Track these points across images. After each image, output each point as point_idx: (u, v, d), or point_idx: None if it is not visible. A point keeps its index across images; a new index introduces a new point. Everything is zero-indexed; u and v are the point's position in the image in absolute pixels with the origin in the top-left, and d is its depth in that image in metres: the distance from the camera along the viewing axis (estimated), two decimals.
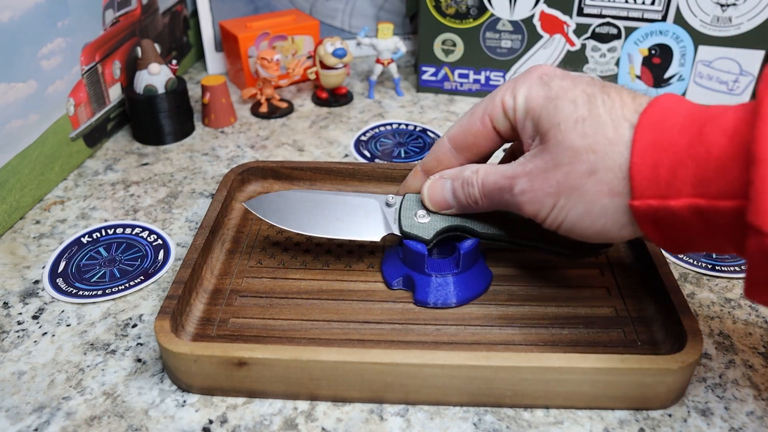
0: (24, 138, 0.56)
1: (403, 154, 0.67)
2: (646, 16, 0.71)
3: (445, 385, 0.38)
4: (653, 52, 0.73)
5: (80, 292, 0.48)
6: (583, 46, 0.74)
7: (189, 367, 0.38)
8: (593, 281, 0.47)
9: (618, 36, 0.73)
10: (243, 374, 0.38)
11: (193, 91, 0.80)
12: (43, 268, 0.50)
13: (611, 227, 0.35)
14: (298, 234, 0.49)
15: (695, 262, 0.51)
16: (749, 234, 0.28)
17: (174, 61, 0.70)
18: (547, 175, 0.36)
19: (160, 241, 0.53)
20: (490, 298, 0.45)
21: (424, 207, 0.45)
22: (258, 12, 0.85)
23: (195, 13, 0.86)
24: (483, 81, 0.78)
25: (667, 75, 0.74)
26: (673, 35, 0.72)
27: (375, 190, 0.57)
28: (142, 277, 0.49)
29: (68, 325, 0.45)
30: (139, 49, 0.67)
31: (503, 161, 0.46)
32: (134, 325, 0.45)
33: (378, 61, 0.78)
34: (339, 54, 0.73)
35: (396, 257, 0.47)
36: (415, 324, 0.43)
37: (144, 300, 0.47)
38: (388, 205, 0.46)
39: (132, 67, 0.70)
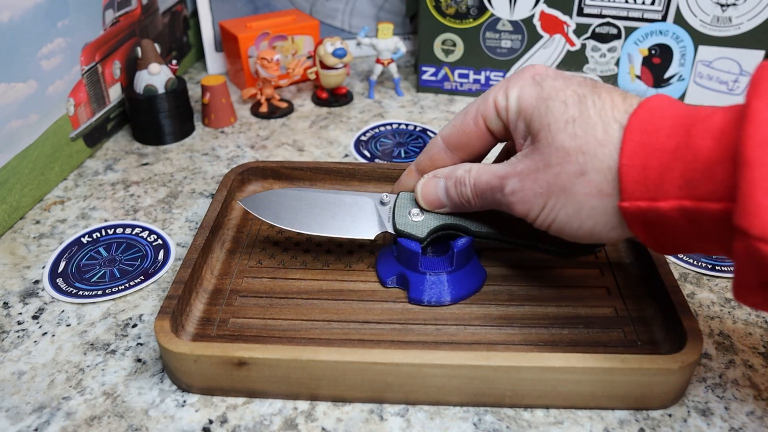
0: (24, 138, 0.56)
1: (403, 154, 0.67)
2: (646, 16, 0.71)
3: (445, 385, 0.38)
4: (653, 52, 0.73)
5: (80, 292, 0.48)
6: (583, 46, 0.74)
7: (189, 367, 0.38)
8: (593, 281, 0.47)
9: (618, 36, 0.73)
10: (243, 374, 0.38)
11: (193, 91, 0.80)
12: (43, 268, 0.50)
13: (601, 228, 0.35)
14: (298, 233, 0.49)
15: (695, 262, 0.51)
16: (736, 236, 0.28)
17: (174, 61, 0.70)
18: (537, 176, 0.36)
19: (160, 241, 0.53)
20: (490, 298, 0.45)
21: (418, 205, 0.45)
22: (258, 12, 0.85)
23: (195, 13, 0.86)
24: (483, 81, 0.78)
25: (667, 75, 0.74)
26: (673, 35, 0.72)
27: (375, 190, 0.57)
28: (142, 277, 0.49)
29: (68, 325, 0.45)
30: (139, 49, 0.67)
31: (497, 160, 0.46)
32: (134, 325, 0.45)
33: (378, 61, 0.78)
34: (339, 54, 0.73)
35: (390, 256, 0.47)
36: (415, 324, 0.43)
37: (144, 300, 0.47)
38: (382, 203, 0.46)
39: (132, 67, 0.70)
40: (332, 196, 0.47)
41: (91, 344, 0.44)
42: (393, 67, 0.79)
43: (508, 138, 0.41)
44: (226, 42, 0.81)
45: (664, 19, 0.71)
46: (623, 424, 0.38)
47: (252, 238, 0.52)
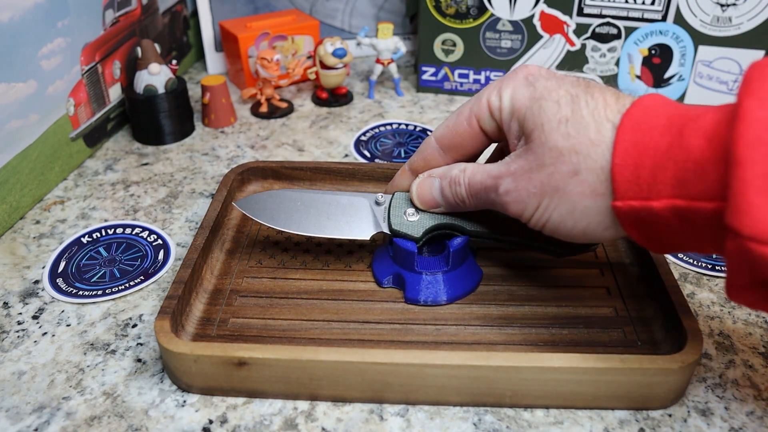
0: (24, 138, 0.56)
1: (403, 154, 0.67)
2: (646, 16, 0.71)
3: (445, 385, 0.38)
4: (653, 52, 0.73)
5: (80, 292, 0.48)
6: (583, 46, 0.74)
7: (189, 367, 0.38)
8: (593, 281, 0.47)
9: (618, 36, 0.73)
10: (243, 374, 0.38)
11: (193, 91, 0.80)
12: (43, 268, 0.50)
13: (595, 228, 0.35)
14: (297, 233, 0.49)
15: (695, 262, 0.51)
16: (727, 236, 0.28)
17: (174, 61, 0.70)
18: (530, 176, 0.36)
19: (160, 241, 0.53)
20: (490, 298, 0.45)
21: (413, 205, 0.45)
22: (258, 12, 0.85)
23: (195, 13, 0.86)
24: (483, 81, 0.78)
25: (667, 75, 0.74)
26: (673, 35, 0.72)
27: (375, 190, 0.57)
28: (142, 277, 0.49)
29: (68, 325, 0.45)
30: (139, 49, 0.67)
31: (491, 160, 0.46)
32: (134, 325, 0.45)
33: (378, 61, 0.78)
34: (339, 54, 0.73)
35: (386, 256, 0.47)
36: (415, 324, 0.43)
37: (144, 300, 0.47)
38: (377, 203, 0.46)
39: (132, 67, 0.70)
40: (328, 196, 0.47)
41: (91, 344, 0.44)
42: (393, 67, 0.79)
43: (501, 138, 0.41)
44: (226, 42, 0.81)
45: (664, 19, 0.71)
46: (623, 424, 0.38)
47: (252, 238, 0.52)
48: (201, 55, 0.90)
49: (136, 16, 0.73)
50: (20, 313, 0.46)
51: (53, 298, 0.48)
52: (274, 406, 0.39)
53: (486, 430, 0.38)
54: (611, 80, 0.76)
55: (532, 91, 0.37)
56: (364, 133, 0.71)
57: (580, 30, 0.74)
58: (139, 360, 0.42)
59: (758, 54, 0.70)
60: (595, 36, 0.74)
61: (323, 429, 0.38)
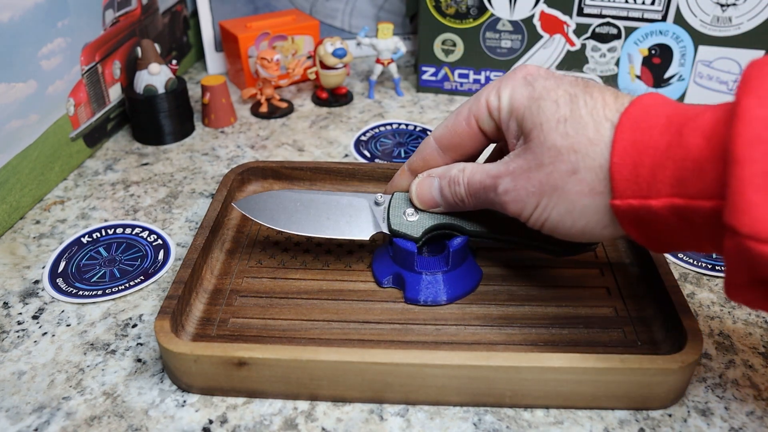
0: (24, 138, 0.56)
1: (403, 154, 0.67)
2: (646, 16, 0.71)
3: (445, 385, 0.38)
4: (653, 52, 0.73)
5: (80, 292, 0.48)
6: (583, 46, 0.74)
7: (189, 367, 0.38)
8: (593, 281, 0.47)
9: (618, 36, 0.73)
10: (243, 374, 0.38)
11: (193, 91, 0.80)
12: (43, 268, 0.50)
13: (593, 227, 0.35)
14: (296, 234, 0.49)
15: (695, 262, 0.51)
16: (726, 234, 0.28)
17: (174, 61, 0.70)
18: (529, 175, 0.36)
19: (160, 241, 0.53)
20: (490, 298, 0.45)
21: (413, 205, 0.45)
22: (258, 12, 0.85)
23: (195, 13, 0.86)
24: (483, 81, 0.78)
25: (667, 75, 0.74)
26: (673, 35, 0.72)
27: (375, 191, 0.57)
28: (142, 277, 0.49)
29: (68, 325, 0.45)
30: (139, 49, 0.67)
31: (489, 160, 0.46)
32: (134, 325, 0.45)
33: (378, 61, 0.78)
34: (339, 54, 0.73)
35: (386, 256, 0.47)
36: (415, 324, 0.43)
37: (144, 300, 0.47)
38: (376, 203, 0.46)
39: (132, 67, 0.70)
40: (327, 197, 0.47)
41: (91, 344, 0.44)
42: (393, 67, 0.79)
43: (500, 138, 0.41)
44: (226, 42, 0.81)
45: (664, 19, 0.71)
46: (623, 424, 0.38)
47: (252, 238, 0.52)
48: (201, 55, 0.90)
49: (136, 16, 0.73)
50: (20, 313, 0.46)
51: (53, 298, 0.48)
52: (274, 406, 0.39)
53: (486, 430, 0.38)
54: (611, 80, 0.76)
55: (531, 90, 0.37)
56: (364, 133, 0.71)
57: (580, 30, 0.74)
58: (139, 360, 0.42)
59: (758, 54, 0.70)
60: (595, 36, 0.74)
61: (323, 429, 0.38)
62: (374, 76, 0.79)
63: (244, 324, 0.43)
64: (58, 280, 0.49)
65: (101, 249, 0.53)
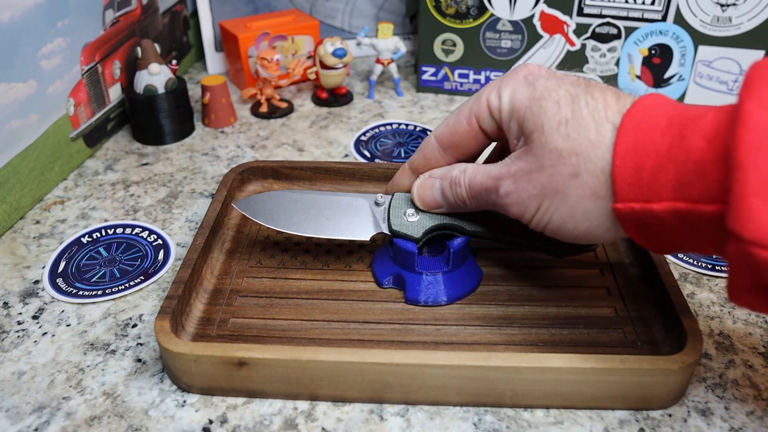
0: (24, 138, 0.56)
1: (403, 154, 0.67)
2: (646, 16, 0.71)
3: (445, 385, 0.38)
4: (653, 52, 0.73)
5: (80, 292, 0.48)
6: (583, 46, 0.74)
7: (189, 367, 0.38)
8: (593, 281, 0.47)
9: (618, 36, 0.73)
10: (243, 374, 0.38)
11: (193, 91, 0.80)
12: (43, 268, 0.50)
13: (596, 229, 0.35)
14: (297, 234, 0.49)
15: (695, 262, 0.51)
16: (729, 239, 0.28)
17: (174, 61, 0.70)
18: (531, 177, 0.36)
19: (160, 241, 0.53)
20: (490, 298, 0.45)
21: (413, 206, 0.45)
22: (258, 12, 0.85)
23: (195, 13, 0.86)
24: (483, 81, 0.78)
25: (667, 75, 0.74)
26: (673, 35, 0.72)
27: (375, 190, 0.57)
28: (142, 277, 0.49)
29: (68, 325, 0.45)
30: (139, 49, 0.67)
31: (490, 158, 0.46)
32: (134, 325, 0.45)
33: (378, 61, 0.78)
34: (339, 54, 0.73)
35: (386, 256, 0.47)
36: (415, 324, 0.43)
37: (144, 300, 0.47)
38: (377, 204, 0.46)
39: (132, 67, 0.70)
40: (327, 197, 0.47)
41: (91, 344, 0.44)
42: (393, 67, 0.79)
43: (501, 138, 0.41)
44: (226, 42, 0.81)
45: (664, 19, 0.71)
46: (623, 424, 0.38)
47: (252, 238, 0.52)
48: (201, 55, 0.90)
49: (136, 16, 0.73)
50: (20, 313, 0.46)
51: (53, 298, 0.48)
52: (274, 406, 0.39)
53: (486, 430, 0.38)
54: (611, 80, 0.76)
55: (532, 91, 0.37)
56: (364, 133, 0.71)
57: (580, 30, 0.74)
58: (139, 360, 0.42)
59: (758, 54, 0.70)
60: (595, 36, 0.74)
61: (323, 429, 0.38)
62: (374, 76, 0.79)
63: (244, 324, 0.43)
64: (58, 280, 0.49)
65: (101, 249, 0.53)
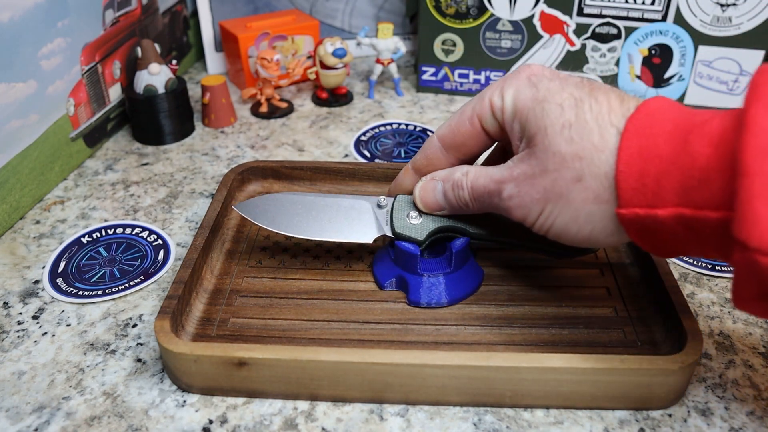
0: (24, 138, 0.56)
1: (403, 154, 0.67)
2: (646, 16, 0.71)
3: (445, 385, 0.38)
4: (653, 52, 0.73)
5: (80, 292, 0.48)
6: (583, 46, 0.74)
7: (189, 367, 0.38)
8: (593, 281, 0.47)
9: (618, 36, 0.73)
10: (243, 374, 0.38)
11: (193, 91, 0.80)
12: (43, 268, 0.50)
13: (599, 234, 0.35)
14: (298, 237, 0.49)
15: (695, 262, 0.51)
16: (735, 247, 0.28)
17: (174, 61, 0.70)
18: (534, 181, 0.36)
19: (160, 241, 0.53)
20: (490, 299, 0.45)
21: (416, 208, 0.45)
22: (258, 12, 0.85)
23: (195, 13, 0.86)
24: (483, 81, 0.78)
25: (667, 75, 0.74)
26: (673, 35, 0.72)
27: (375, 190, 0.57)
28: (142, 277, 0.49)
29: (68, 325, 0.45)
30: (139, 49, 0.67)
31: (491, 156, 0.46)
32: (134, 325, 0.45)
33: (378, 61, 0.78)
34: (339, 54, 0.73)
35: (387, 258, 0.47)
36: (415, 324, 0.43)
37: (144, 300, 0.47)
38: (379, 206, 0.46)
39: (132, 67, 0.70)
40: (329, 199, 0.47)
41: (91, 344, 0.44)
42: (393, 67, 0.79)
43: (503, 138, 0.41)
44: (226, 42, 0.81)
45: (664, 19, 0.71)
46: (623, 424, 0.38)
47: (252, 237, 0.52)
48: (201, 55, 0.90)
49: (136, 16, 0.73)
50: (20, 313, 0.46)
51: (53, 298, 0.48)
52: (274, 406, 0.39)
53: (486, 430, 0.38)
54: (611, 80, 0.76)
55: (535, 92, 0.37)
56: (364, 133, 0.71)
57: (580, 30, 0.74)
58: (139, 360, 0.42)
59: (758, 54, 0.70)
60: (595, 36, 0.74)
61: (323, 429, 0.38)
62: (374, 76, 0.79)
63: (244, 324, 0.43)
64: (58, 280, 0.49)
65: (101, 249, 0.53)
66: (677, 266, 0.51)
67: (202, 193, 0.60)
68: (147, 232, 0.55)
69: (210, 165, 0.65)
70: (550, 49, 0.75)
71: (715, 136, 0.29)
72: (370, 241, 0.46)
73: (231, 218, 0.53)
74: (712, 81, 0.73)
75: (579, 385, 0.37)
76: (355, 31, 0.89)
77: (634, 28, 0.72)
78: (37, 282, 0.49)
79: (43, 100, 0.58)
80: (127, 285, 0.48)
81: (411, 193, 0.45)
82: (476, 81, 0.79)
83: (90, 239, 0.54)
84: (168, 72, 0.68)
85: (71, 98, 0.62)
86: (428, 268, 0.45)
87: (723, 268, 0.50)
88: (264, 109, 0.75)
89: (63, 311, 0.46)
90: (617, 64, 0.75)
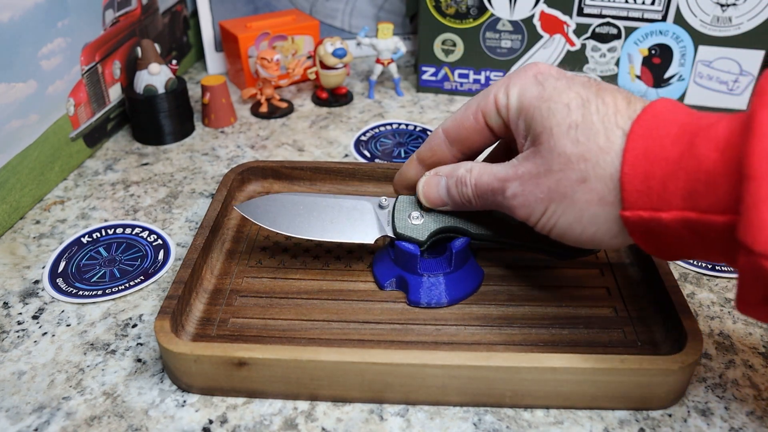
0: (24, 138, 0.56)
1: (403, 154, 0.67)
2: (646, 16, 0.71)
3: (445, 385, 0.38)
4: (653, 52, 0.73)
5: (80, 292, 0.48)
6: (583, 46, 0.74)
7: (189, 367, 0.38)
8: (593, 281, 0.47)
9: (618, 36, 0.73)
10: (243, 374, 0.38)
11: (193, 91, 0.80)
12: (43, 268, 0.50)
13: (602, 235, 0.35)
14: (300, 237, 0.49)
15: (695, 262, 0.51)
16: (740, 251, 0.27)
17: (174, 61, 0.70)
18: (538, 181, 0.35)
19: (160, 241, 0.53)
20: (490, 299, 0.45)
21: (418, 208, 0.45)
22: (258, 12, 0.85)
23: (195, 13, 0.86)
24: (483, 81, 0.78)
25: (667, 75, 0.74)
26: (673, 35, 0.72)
27: (375, 190, 0.57)
28: (142, 277, 0.49)
29: (68, 325, 0.45)
30: (139, 49, 0.67)
31: (494, 152, 0.46)
32: (134, 325, 0.45)
33: (378, 61, 0.78)
34: (339, 54, 0.73)
35: (387, 259, 0.47)
36: (415, 324, 0.43)
37: (144, 300, 0.47)
38: (381, 207, 0.46)
39: (132, 67, 0.70)
40: (331, 200, 0.47)
41: (91, 344, 0.44)
42: (393, 67, 0.79)
43: (507, 135, 0.41)
44: (226, 42, 0.81)
45: (664, 19, 0.71)
46: (623, 424, 0.38)
47: (252, 238, 0.52)
48: (201, 55, 0.90)
49: (136, 16, 0.73)
50: (20, 313, 0.46)
51: (53, 298, 0.48)
52: (274, 406, 0.39)
53: (486, 430, 0.38)
54: (611, 80, 0.76)
55: (541, 90, 0.36)
56: (364, 133, 0.71)
57: (580, 30, 0.74)
58: (139, 360, 0.42)
59: (758, 54, 0.70)
60: (595, 36, 0.74)
61: (323, 429, 0.38)
62: (374, 76, 0.79)
63: (244, 324, 0.43)
64: (58, 280, 0.49)
65: (101, 249, 0.53)
66: (677, 266, 0.51)
67: (202, 193, 0.60)
68: (147, 232, 0.55)
69: (210, 165, 0.65)
70: (550, 49, 0.75)
71: (722, 140, 0.29)
72: (372, 242, 0.46)
73: (231, 218, 0.53)
74: (712, 81, 0.73)
75: (579, 385, 0.37)
76: (355, 31, 0.89)
77: (634, 28, 0.72)
78: (37, 282, 0.49)
79: (43, 100, 0.58)
80: (127, 285, 0.48)
81: (414, 183, 0.45)
82: (476, 81, 0.79)
83: (90, 239, 0.54)
84: (168, 72, 0.68)
85: (71, 98, 0.62)
86: (428, 268, 0.45)
87: (723, 268, 0.50)
88: (264, 109, 0.75)
89: (63, 311, 0.46)
90: (617, 64, 0.75)
